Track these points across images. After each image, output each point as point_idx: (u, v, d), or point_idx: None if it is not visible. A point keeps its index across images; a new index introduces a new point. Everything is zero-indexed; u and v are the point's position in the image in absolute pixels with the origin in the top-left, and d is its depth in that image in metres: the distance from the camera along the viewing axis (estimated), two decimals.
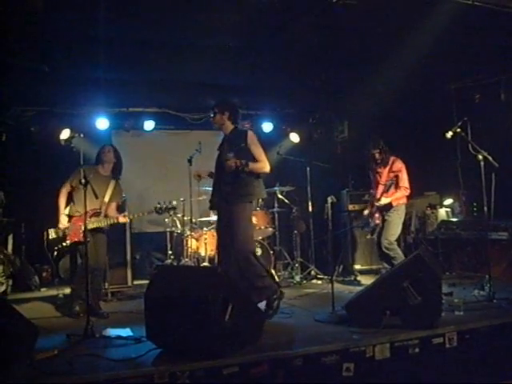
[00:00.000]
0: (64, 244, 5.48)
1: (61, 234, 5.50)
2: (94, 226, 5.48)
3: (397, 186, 6.46)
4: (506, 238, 6.74)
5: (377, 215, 6.56)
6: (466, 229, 7.38)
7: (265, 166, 5.16)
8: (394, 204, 6.47)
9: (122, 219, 5.68)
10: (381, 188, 6.57)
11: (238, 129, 5.36)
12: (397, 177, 6.47)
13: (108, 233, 5.77)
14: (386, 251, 6.40)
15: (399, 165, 6.52)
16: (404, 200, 6.55)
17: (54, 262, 5.63)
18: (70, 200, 5.66)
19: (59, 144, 7.14)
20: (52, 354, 3.92)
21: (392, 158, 6.59)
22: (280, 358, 3.85)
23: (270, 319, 4.92)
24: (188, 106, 8.62)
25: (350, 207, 8.00)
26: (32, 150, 7.76)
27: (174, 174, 8.47)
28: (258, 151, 5.16)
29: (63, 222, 5.54)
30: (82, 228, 5.37)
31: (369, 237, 7.02)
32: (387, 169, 6.57)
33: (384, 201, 6.43)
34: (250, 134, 5.23)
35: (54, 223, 5.54)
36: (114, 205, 5.79)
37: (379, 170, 6.67)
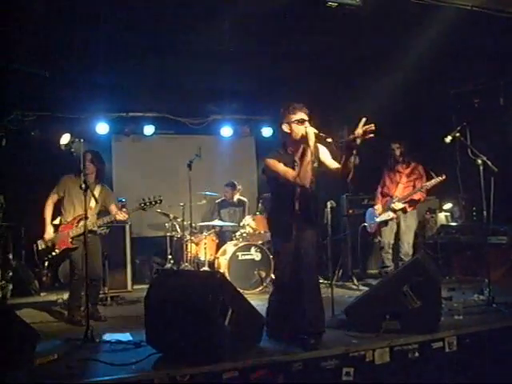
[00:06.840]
0: (54, 253, 5.43)
1: (50, 243, 5.44)
2: (80, 232, 5.27)
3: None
4: (505, 242, 6.76)
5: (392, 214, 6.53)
6: (465, 233, 7.39)
7: None
8: (409, 209, 6.55)
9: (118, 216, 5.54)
10: (400, 188, 6.55)
11: None
12: (415, 181, 6.53)
13: (104, 239, 5.74)
14: (404, 257, 6.41)
15: (421, 171, 6.56)
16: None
17: (53, 268, 5.59)
18: (55, 211, 5.61)
19: (59, 149, 7.14)
20: (52, 358, 3.92)
21: (414, 163, 6.63)
22: (280, 363, 3.85)
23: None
24: (188, 111, 8.64)
25: (350, 212, 8.00)
26: (32, 155, 7.76)
27: (174, 178, 8.47)
28: None
29: (49, 232, 5.48)
30: (70, 234, 5.40)
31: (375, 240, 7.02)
32: (408, 171, 6.58)
33: (399, 206, 6.45)
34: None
35: (41, 234, 5.50)
36: (112, 207, 5.70)
37: (400, 169, 6.64)
